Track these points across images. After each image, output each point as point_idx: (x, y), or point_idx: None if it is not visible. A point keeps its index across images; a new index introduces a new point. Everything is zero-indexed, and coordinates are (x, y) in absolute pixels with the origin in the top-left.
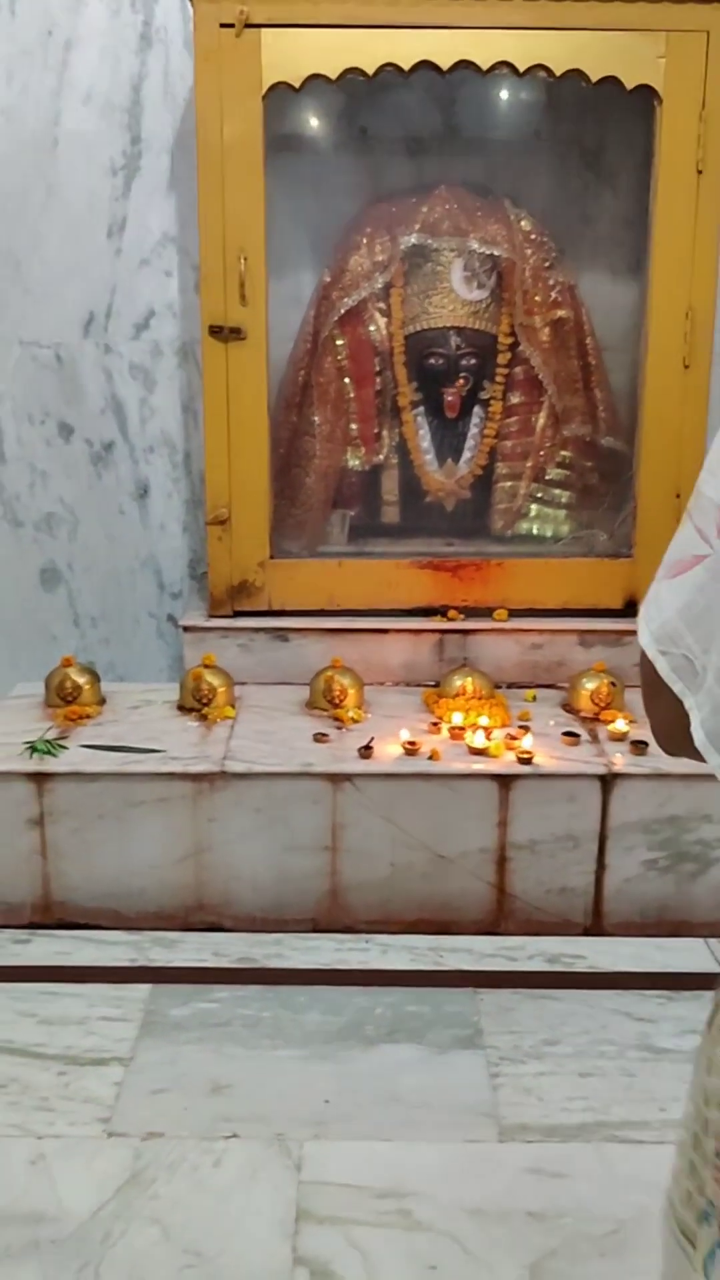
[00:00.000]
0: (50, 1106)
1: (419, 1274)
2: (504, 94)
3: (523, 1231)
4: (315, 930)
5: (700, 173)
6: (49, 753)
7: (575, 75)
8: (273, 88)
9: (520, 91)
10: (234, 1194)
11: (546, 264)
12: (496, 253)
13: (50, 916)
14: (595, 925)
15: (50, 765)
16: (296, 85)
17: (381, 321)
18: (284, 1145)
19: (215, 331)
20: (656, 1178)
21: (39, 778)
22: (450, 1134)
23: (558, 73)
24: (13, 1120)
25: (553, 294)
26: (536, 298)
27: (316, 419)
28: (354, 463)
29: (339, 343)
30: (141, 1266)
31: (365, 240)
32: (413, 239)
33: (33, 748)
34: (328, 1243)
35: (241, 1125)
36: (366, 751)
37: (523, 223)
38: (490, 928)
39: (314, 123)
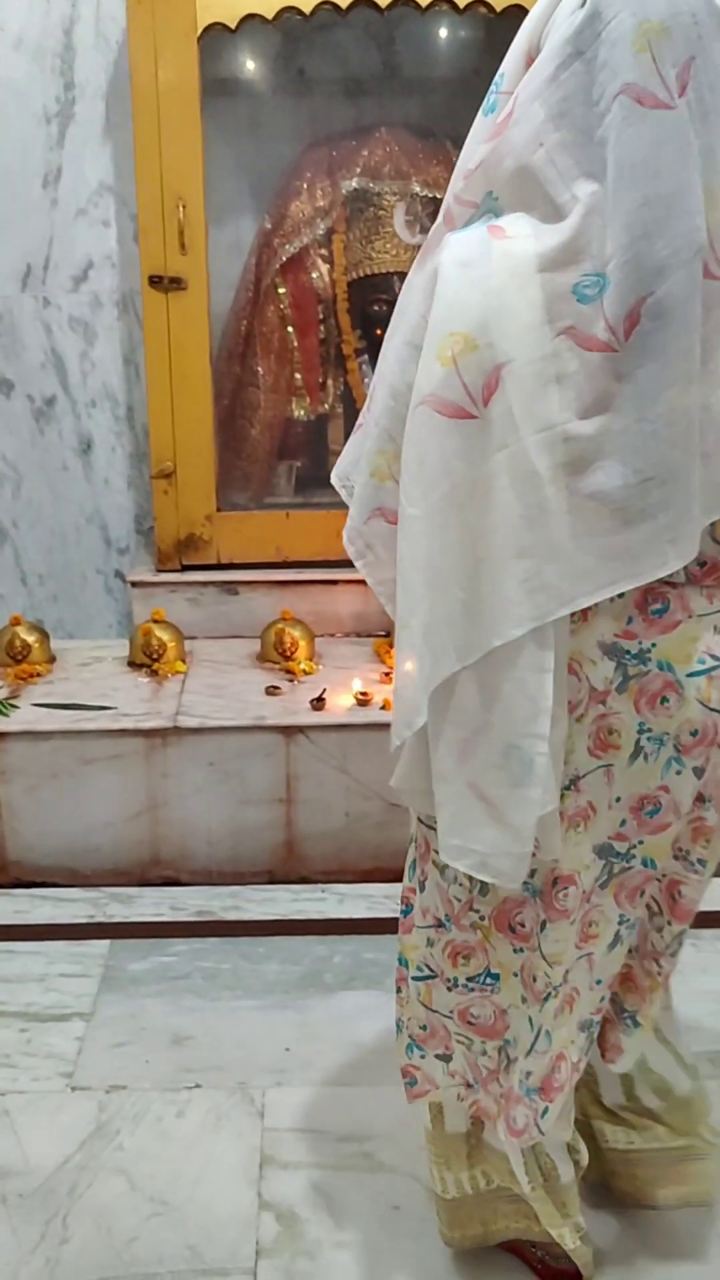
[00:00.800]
0: (13, 1063)
1: (382, 1214)
2: (443, 32)
3: None
4: (272, 882)
5: None
6: (0, 713)
7: (516, 11)
8: (208, 29)
9: (459, 30)
10: (198, 1143)
11: None
12: (439, 195)
13: (7, 876)
14: None
15: (2, 725)
16: (232, 26)
17: (324, 268)
18: (246, 1094)
19: (155, 281)
20: None
21: None
22: None
23: (498, 9)
24: None
25: None
26: None
27: (260, 369)
28: (299, 413)
29: (281, 291)
30: (108, 1216)
31: (305, 185)
32: (354, 183)
33: None
34: (292, 1187)
35: (203, 1075)
36: (319, 703)
37: None
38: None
39: (251, 65)
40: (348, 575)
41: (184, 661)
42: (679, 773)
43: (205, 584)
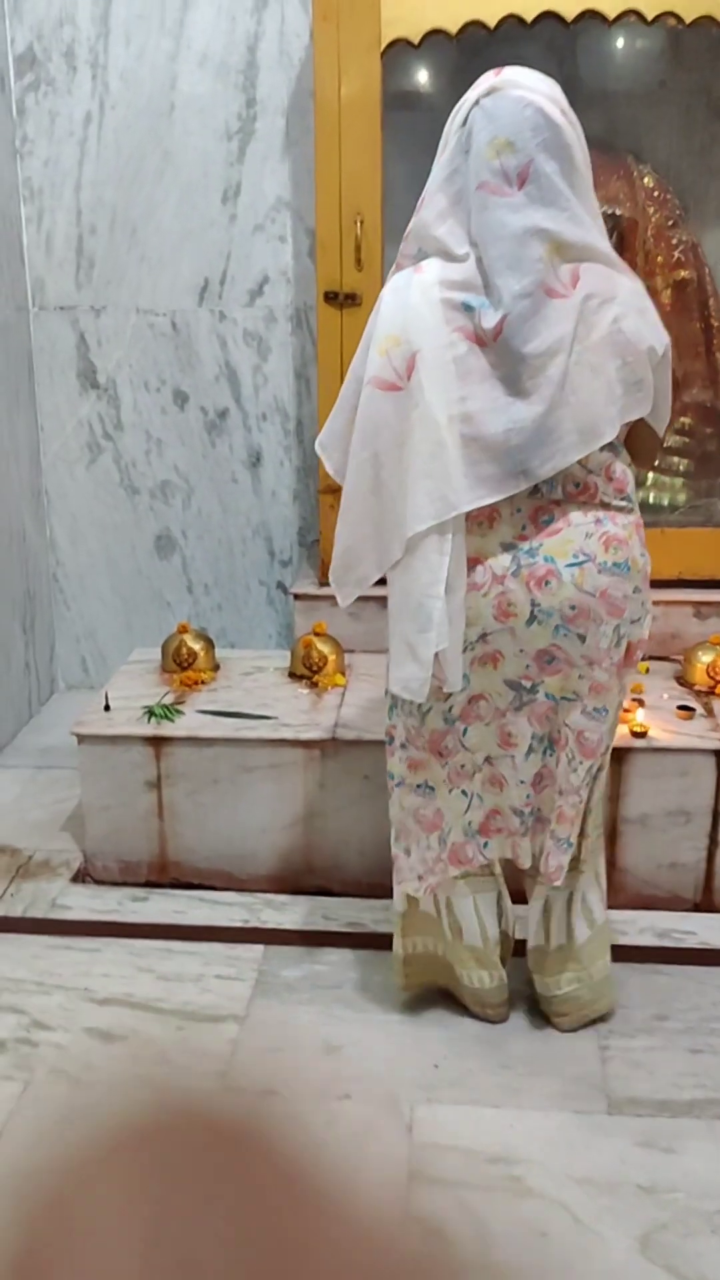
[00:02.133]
0: (168, 1060)
1: (530, 1239)
2: (624, 43)
3: (633, 1203)
4: None
5: None
6: (166, 717)
7: (707, 22)
8: (391, 44)
9: (641, 40)
10: (347, 1154)
11: (670, 222)
12: (618, 211)
13: (166, 876)
14: (706, 901)
15: (167, 730)
16: (415, 41)
17: None
18: (395, 1107)
19: (330, 297)
20: None
21: (157, 741)
22: (559, 1104)
23: (687, 20)
24: (133, 1072)
25: (675, 253)
26: (659, 258)
27: None
28: None
29: None
30: None
31: None
32: None
33: (151, 712)
34: (439, 1204)
35: (353, 1086)
36: None
37: (645, 179)
38: None
39: (431, 79)
40: None
41: (343, 674)
42: (565, 635)
43: (366, 598)
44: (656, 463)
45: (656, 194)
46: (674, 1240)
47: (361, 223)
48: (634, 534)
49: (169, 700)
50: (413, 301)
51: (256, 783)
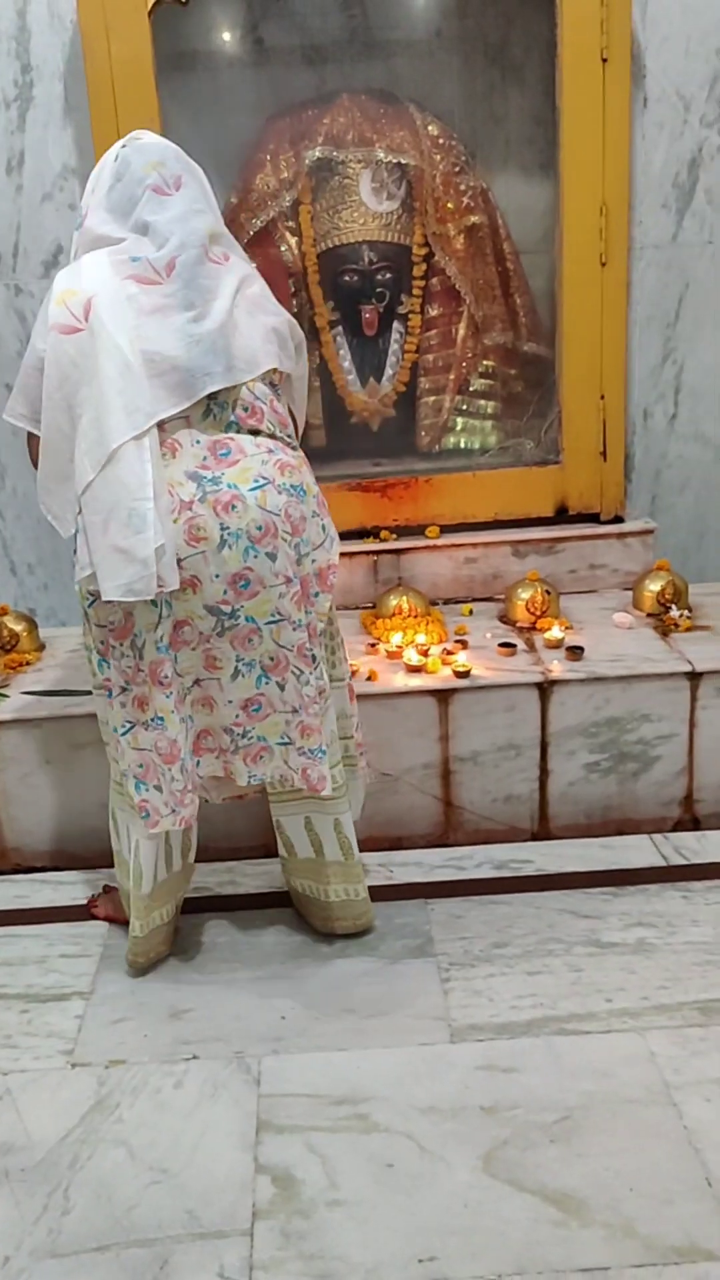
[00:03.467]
0: (14, 1044)
1: (376, 1172)
2: None
3: (475, 1125)
4: (266, 855)
5: (605, 60)
6: None
7: None
8: (159, 2)
9: None
10: (196, 1112)
11: (457, 169)
12: (405, 160)
13: (6, 862)
14: (542, 830)
15: None
16: (184, 0)
17: (292, 241)
18: (243, 1062)
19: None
20: (604, 1065)
21: None
22: (404, 1039)
23: None
24: None
25: (465, 199)
26: (449, 204)
27: None
28: None
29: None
30: (108, 1186)
31: (269, 157)
32: (317, 152)
33: None
34: (288, 1151)
35: (201, 1046)
36: None
37: (430, 127)
38: (439, 840)
39: (207, 37)
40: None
41: None
42: (256, 557)
43: None
44: (466, 407)
45: (442, 141)
46: (515, 1155)
47: None
48: (304, 465)
49: None
50: (83, 266)
51: (90, 758)
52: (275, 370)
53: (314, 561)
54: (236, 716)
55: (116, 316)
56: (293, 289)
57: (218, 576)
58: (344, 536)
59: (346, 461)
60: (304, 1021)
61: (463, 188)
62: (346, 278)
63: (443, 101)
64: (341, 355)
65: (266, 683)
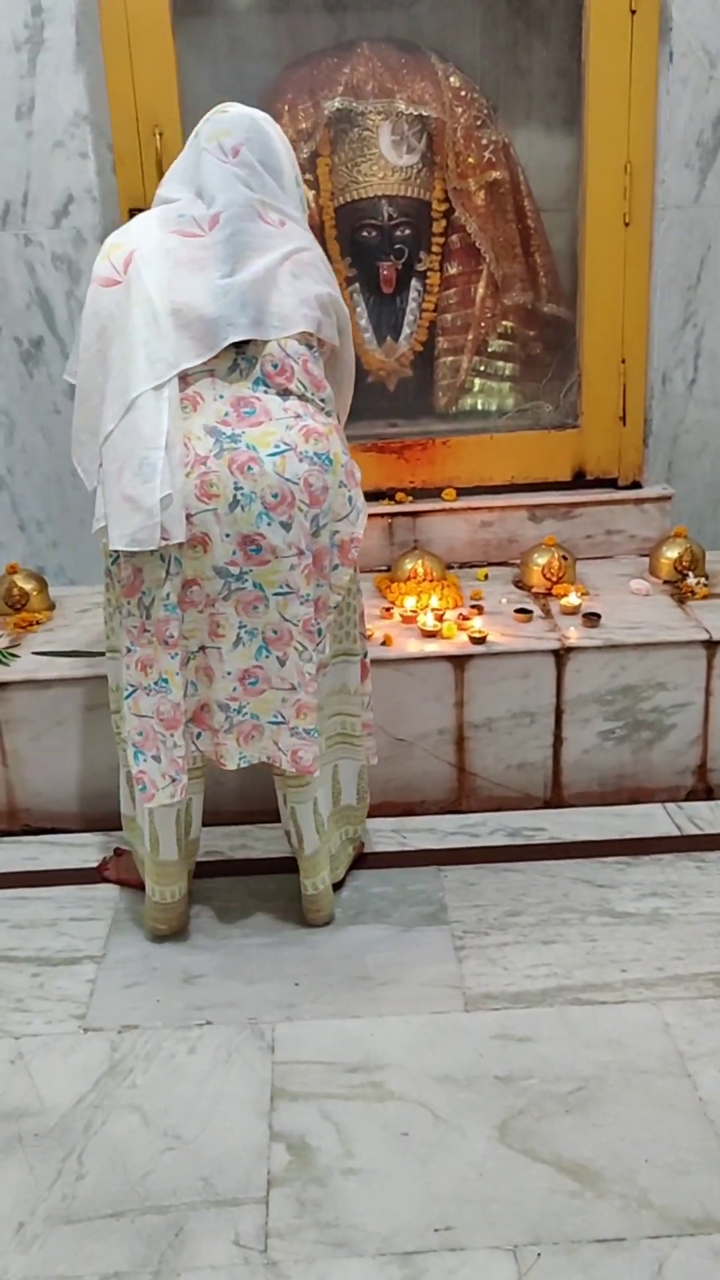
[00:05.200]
0: (26, 1008)
1: (391, 1140)
2: None
3: (490, 1094)
4: (278, 820)
5: (634, 12)
6: (1, 662)
7: None
8: None
9: None
10: (210, 1078)
11: (478, 122)
12: (425, 113)
13: (16, 823)
14: (555, 797)
15: (3, 675)
16: None
17: (309, 194)
18: (256, 1029)
19: (135, 214)
20: (619, 1035)
21: None
22: (418, 1007)
23: None
24: None
25: (486, 154)
26: (469, 159)
27: None
28: None
29: None
30: (123, 1152)
31: (287, 107)
32: (336, 103)
33: None
34: (303, 1118)
35: (214, 1012)
36: None
37: (452, 79)
38: (452, 806)
39: None
40: None
41: None
42: (269, 524)
43: None
44: (484, 368)
45: (464, 94)
46: (530, 1124)
47: (161, 135)
48: (334, 433)
49: (3, 644)
50: (133, 223)
51: (101, 720)
52: (314, 336)
53: (335, 533)
54: (233, 690)
55: (152, 267)
56: None
57: (228, 536)
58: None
59: (363, 422)
60: (317, 988)
61: (484, 142)
62: (365, 233)
63: (465, 52)
64: (358, 313)
65: (266, 655)
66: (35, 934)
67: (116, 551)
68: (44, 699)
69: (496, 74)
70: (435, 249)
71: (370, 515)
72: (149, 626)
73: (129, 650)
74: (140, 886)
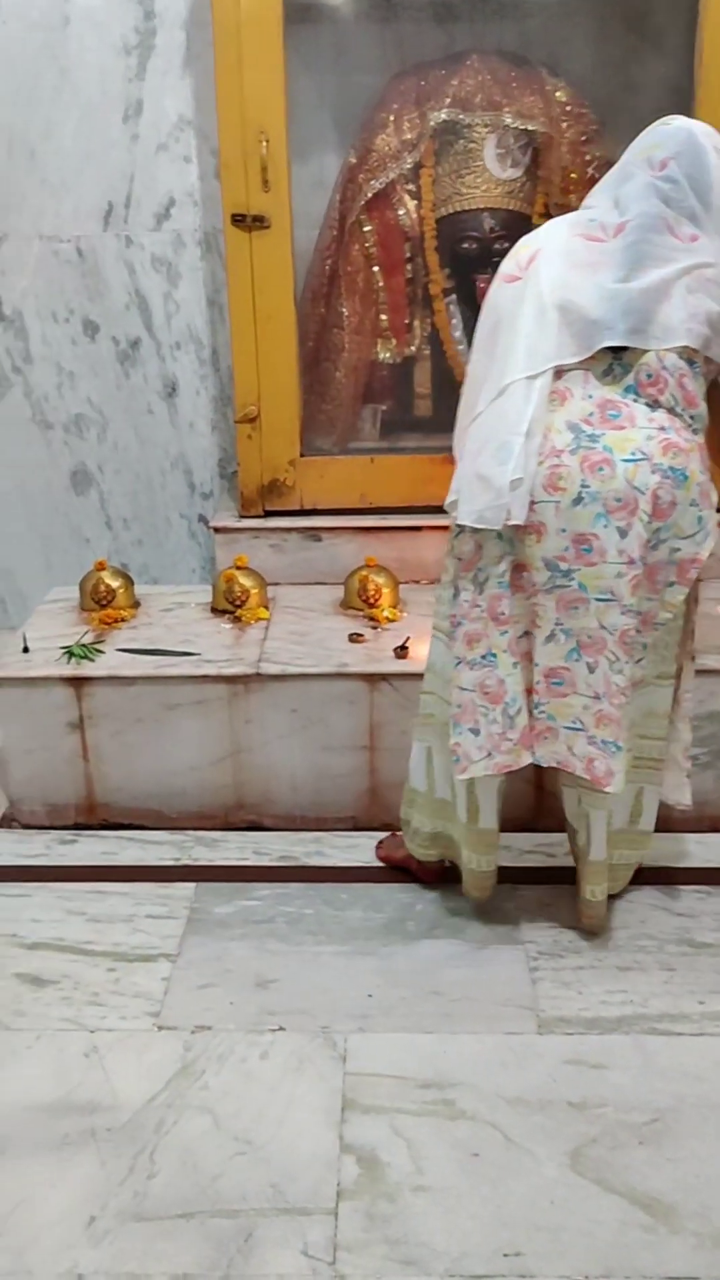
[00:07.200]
0: (101, 1002)
1: (462, 1160)
2: None
3: (563, 1120)
4: (355, 829)
5: None
6: (86, 657)
7: None
8: None
9: None
10: (282, 1084)
11: (585, 138)
12: (532, 127)
13: (94, 818)
14: None
15: (88, 670)
16: None
17: (411, 205)
18: (329, 1038)
19: (238, 220)
20: (696, 1068)
21: (77, 682)
22: (491, 1026)
23: None
24: (65, 1015)
25: (591, 170)
26: (574, 175)
27: (345, 310)
28: (385, 355)
29: (367, 229)
30: (194, 1153)
31: (392, 117)
32: (443, 114)
33: (70, 652)
34: (374, 1131)
35: (287, 1018)
36: (402, 651)
37: (560, 93)
38: (528, 824)
39: None
40: (432, 521)
41: (267, 608)
42: (605, 526)
43: (288, 530)
44: None
45: (571, 109)
46: (603, 1154)
47: (267, 142)
48: (696, 451)
49: (88, 639)
50: (545, 225)
51: (182, 720)
52: (698, 353)
53: (677, 551)
54: (537, 683)
55: (551, 265)
56: (408, 254)
57: (563, 531)
58: (440, 509)
59: (451, 432)
60: (390, 1000)
61: (589, 158)
62: (465, 245)
63: (575, 67)
64: (454, 324)
65: (577, 659)
66: (112, 929)
67: (461, 526)
68: (126, 696)
69: (608, 89)
70: None
71: (447, 526)
72: (480, 602)
73: (458, 624)
74: (402, 866)
